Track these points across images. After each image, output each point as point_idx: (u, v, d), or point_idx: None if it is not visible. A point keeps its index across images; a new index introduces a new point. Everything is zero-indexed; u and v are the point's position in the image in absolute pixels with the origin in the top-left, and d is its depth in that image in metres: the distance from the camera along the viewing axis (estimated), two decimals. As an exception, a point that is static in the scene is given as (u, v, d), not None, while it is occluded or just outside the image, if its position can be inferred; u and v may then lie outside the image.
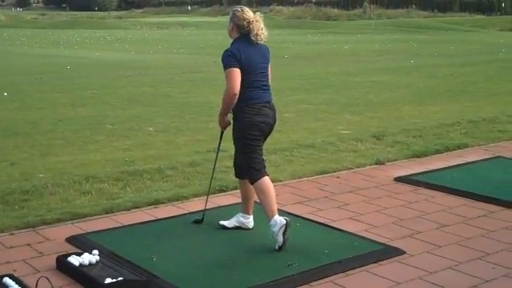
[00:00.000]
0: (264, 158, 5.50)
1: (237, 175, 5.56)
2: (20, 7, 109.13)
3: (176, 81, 17.45)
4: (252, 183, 5.31)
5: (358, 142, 9.14)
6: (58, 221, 5.85)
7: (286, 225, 5.08)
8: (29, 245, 5.28)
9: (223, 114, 5.36)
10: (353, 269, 4.78)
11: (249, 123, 5.24)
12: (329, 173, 7.61)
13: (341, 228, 5.65)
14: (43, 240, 5.41)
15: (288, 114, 11.74)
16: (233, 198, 6.50)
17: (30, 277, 4.60)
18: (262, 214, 5.31)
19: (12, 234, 5.54)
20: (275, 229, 5.14)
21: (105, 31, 55.78)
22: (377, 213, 6.15)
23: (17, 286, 4.28)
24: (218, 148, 5.76)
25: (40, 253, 5.11)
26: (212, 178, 5.96)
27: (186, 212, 6.19)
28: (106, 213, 6.11)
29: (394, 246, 5.22)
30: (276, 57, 25.91)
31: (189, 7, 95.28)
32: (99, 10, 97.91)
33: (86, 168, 7.73)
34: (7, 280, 4.39)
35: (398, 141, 9.22)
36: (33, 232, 5.59)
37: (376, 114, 11.74)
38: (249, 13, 5.26)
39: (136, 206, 6.28)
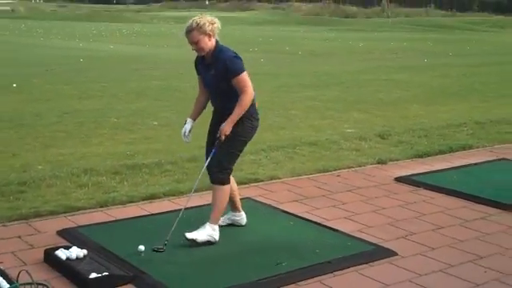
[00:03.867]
0: None
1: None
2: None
3: (186, 75, 17.32)
4: (219, 183, 5.12)
5: (362, 140, 9.06)
6: (52, 213, 5.84)
7: (214, 242, 5.07)
8: (19, 237, 5.26)
9: (235, 121, 5.07)
10: (342, 269, 4.72)
11: (251, 127, 5.18)
12: (329, 171, 7.55)
13: (335, 227, 5.58)
14: (35, 232, 5.39)
15: (294, 111, 11.70)
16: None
17: (15, 269, 4.53)
18: (254, 210, 5.27)
19: (4, 226, 5.53)
20: (208, 232, 5.07)
21: (122, 24, 55.78)
22: (373, 213, 6.08)
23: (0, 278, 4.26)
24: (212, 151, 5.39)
25: (30, 245, 5.09)
26: (198, 179, 5.51)
27: (181, 207, 6.15)
28: (101, 206, 6.09)
29: (387, 247, 5.16)
30: (289, 53, 26.22)
31: (206, 2, 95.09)
32: (118, 3, 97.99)
33: (87, 161, 7.72)
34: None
35: (402, 140, 9.13)
36: (25, 224, 5.58)
37: (384, 113, 11.64)
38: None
39: (131, 201, 6.25)
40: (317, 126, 10.39)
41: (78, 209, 5.98)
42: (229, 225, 5.52)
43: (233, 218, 5.54)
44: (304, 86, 15.47)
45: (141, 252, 4.85)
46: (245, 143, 5.23)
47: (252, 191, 6.67)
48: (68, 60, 21.93)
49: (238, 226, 5.52)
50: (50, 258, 4.72)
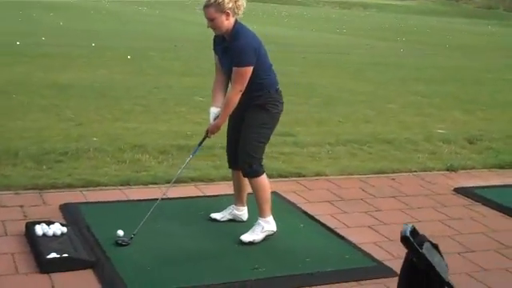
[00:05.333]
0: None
1: (231, 165, 5.08)
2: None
3: (304, 60, 17.04)
4: (252, 176, 4.79)
5: (446, 143, 8.30)
6: (69, 186, 5.76)
7: (273, 234, 4.78)
8: (21, 206, 5.21)
9: (224, 121, 4.81)
10: (324, 284, 4.22)
11: (278, 112, 4.80)
12: (387, 173, 6.94)
13: (348, 237, 5.04)
14: (39, 204, 5.33)
15: (392, 105, 11.01)
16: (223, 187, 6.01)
17: (-9, 239, 4.52)
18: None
19: (16, 194, 5.51)
20: (263, 227, 4.76)
21: (284, 6, 56.09)
22: (402, 225, 5.43)
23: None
24: (200, 145, 5.08)
25: (25, 216, 5.01)
26: (183, 168, 5.25)
27: (201, 195, 5.89)
28: (121, 185, 5.94)
29: (393, 265, 4.56)
30: (435, 45, 25.01)
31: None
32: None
33: (143, 137, 7.60)
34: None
35: (490, 147, 8.26)
36: (37, 194, 5.52)
37: (489, 116, 10.62)
38: None
39: (154, 182, 6.05)
40: (407, 122, 9.66)
41: (98, 184, 5.86)
42: (228, 221, 5.15)
43: (234, 212, 5.16)
44: (420, 79, 14.58)
45: (118, 237, 4.62)
46: (271, 130, 4.83)
47: (287, 186, 6.25)
48: (204, 37, 22.17)
49: (239, 221, 5.14)
50: (27, 231, 4.61)
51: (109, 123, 8.33)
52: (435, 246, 3.28)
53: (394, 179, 6.76)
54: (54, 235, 4.56)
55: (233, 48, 4.58)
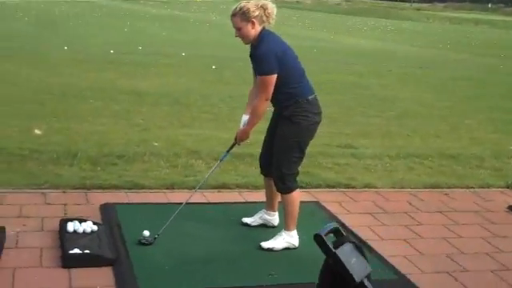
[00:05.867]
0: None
1: (264, 172, 5.09)
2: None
3: (389, 73, 16.78)
4: (284, 192, 4.79)
5: (515, 162, 7.96)
6: (115, 187, 5.95)
7: (294, 248, 4.80)
8: (65, 204, 5.42)
9: (251, 129, 4.82)
10: (337, 294, 4.16)
11: (311, 124, 4.68)
12: (441, 188, 6.74)
13: (379, 249, 4.94)
14: (83, 203, 5.52)
15: (469, 121, 10.67)
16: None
17: (28, 233, 4.73)
18: (304, 215, 4.97)
19: (63, 192, 5.74)
20: (285, 239, 4.78)
21: (390, 21, 55.48)
22: (442, 240, 5.29)
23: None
24: (228, 152, 5.16)
25: (65, 214, 5.20)
26: (210, 173, 5.37)
27: (242, 201, 5.93)
28: (167, 188, 6.07)
29: (417, 280, 4.44)
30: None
31: (489, 5, 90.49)
32: (403, 0, 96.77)
33: (202, 144, 7.74)
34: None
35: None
36: (83, 194, 5.73)
37: None
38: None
39: (199, 187, 6.12)
40: (480, 139, 9.33)
41: (143, 187, 6.02)
42: (258, 226, 5.18)
43: (265, 216, 5.19)
44: (508, 97, 13.97)
45: (143, 237, 4.74)
46: (304, 143, 4.75)
47: (333, 196, 6.20)
48: (301, 50, 22.23)
49: (270, 226, 5.15)
50: (60, 227, 4.81)
51: (174, 129, 8.53)
52: (359, 248, 3.22)
53: (447, 194, 6.57)
54: (84, 232, 4.72)
55: (255, 56, 4.61)
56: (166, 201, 5.74)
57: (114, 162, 6.70)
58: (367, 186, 6.60)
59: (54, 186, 5.85)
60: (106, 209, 5.34)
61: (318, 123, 4.76)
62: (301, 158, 4.78)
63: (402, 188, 6.65)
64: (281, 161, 4.71)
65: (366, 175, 6.95)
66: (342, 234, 3.33)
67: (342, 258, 3.05)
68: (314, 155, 7.50)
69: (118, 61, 14.97)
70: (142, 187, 6.02)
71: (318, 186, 6.46)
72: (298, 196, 4.82)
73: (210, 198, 5.93)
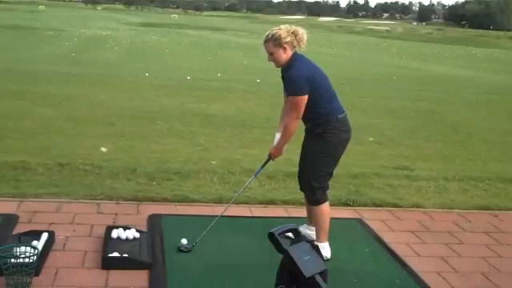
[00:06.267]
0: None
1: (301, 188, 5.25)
2: (422, 21, 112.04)
3: (462, 99, 16.57)
4: (314, 204, 5.00)
5: None
6: (165, 200, 6.22)
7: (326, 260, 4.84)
8: (116, 214, 5.74)
9: (283, 146, 5.06)
10: (360, 304, 4.26)
11: (339, 141, 4.88)
12: (492, 210, 6.68)
13: (413, 265, 4.97)
14: (133, 213, 5.81)
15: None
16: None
17: (74, 238, 5.05)
18: (344, 231, 5.14)
19: (117, 204, 6.06)
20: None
21: (482, 50, 54.49)
22: (480, 259, 5.26)
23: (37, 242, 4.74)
24: (262, 167, 5.37)
25: (113, 222, 5.51)
26: (243, 188, 5.60)
27: (286, 216, 6.08)
28: (215, 202, 6.29)
29: (446, 295, 4.48)
30: None
31: None
32: (495, 29, 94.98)
33: (258, 163, 7.72)
34: (44, 235, 4.89)
35: None
36: (134, 205, 6.02)
37: None
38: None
39: (246, 202, 6.33)
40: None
41: (192, 201, 6.27)
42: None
43: (305, 230, 5.31)
44: None
45: (182, 245, 4.96)
46: (333, 159, 4.94)
47: (378, 214, 6.25)
48: (381, 76, 22.32)
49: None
50: (105, 233, 5.11)
51: (233, 149, 8.78)
52: (316, 249, 3.55)
53: (496, 216, 6.50)
54: (127, 239, 5.00)
55: (286, 78, 4.82)
56: (211, 213, 5.94)
57: (170, 178, 6.99)
58: (415, 205, 6.62)
59: (109, 197, 6.18)
60: (152, 219, 5.61)
61: (347, 140, 4.94)
62: (329, 173, 4.97)
63: (451, 209, 6.62)
64: (310, 173, 4.92)
65: (416, 196, 6.96)
66: (299, 234, 3.56)
67: (294, 255, 3.23)
68: (368, 175, 7.61)
69: (193, 86, 15.47)
70: (192, 201, 6.27)
71: (365, 205, 6.53)
72: (327, 209, 4.98)
73: (255, 212, 6.11)
